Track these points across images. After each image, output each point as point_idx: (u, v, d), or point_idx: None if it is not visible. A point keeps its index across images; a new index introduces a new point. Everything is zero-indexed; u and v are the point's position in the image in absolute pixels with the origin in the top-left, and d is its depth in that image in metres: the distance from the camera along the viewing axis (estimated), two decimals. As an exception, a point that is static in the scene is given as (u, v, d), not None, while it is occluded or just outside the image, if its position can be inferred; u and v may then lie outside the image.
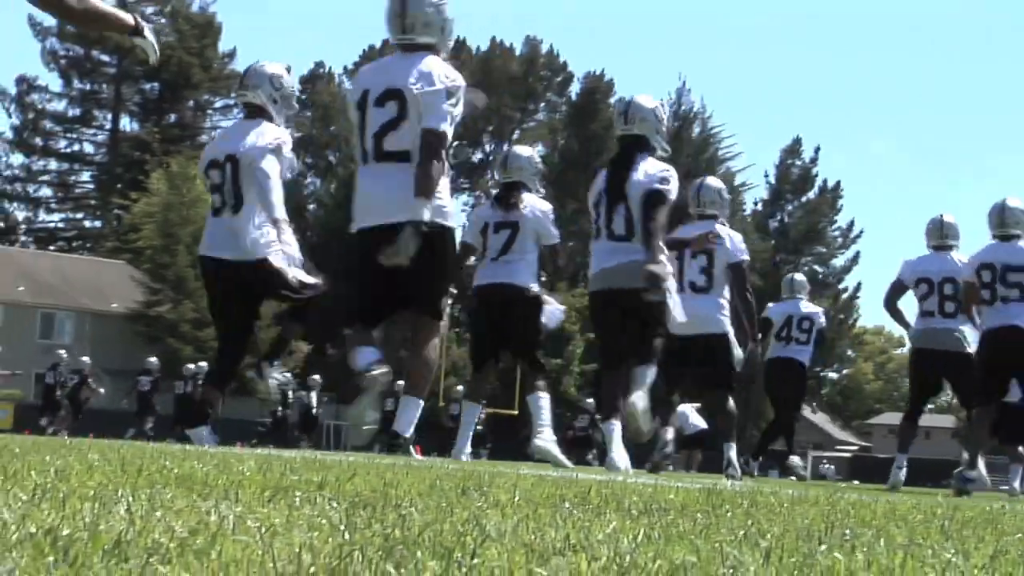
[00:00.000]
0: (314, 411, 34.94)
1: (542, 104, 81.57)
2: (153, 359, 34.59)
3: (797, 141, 74.46)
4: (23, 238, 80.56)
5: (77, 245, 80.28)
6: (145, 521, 2.17)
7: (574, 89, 79.03)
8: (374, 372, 7.24)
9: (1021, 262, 10.56)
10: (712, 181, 11.77)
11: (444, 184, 7.40)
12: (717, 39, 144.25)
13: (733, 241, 10.89)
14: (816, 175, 73.68)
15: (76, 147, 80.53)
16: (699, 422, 22.90)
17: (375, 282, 7.47)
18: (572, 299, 57.84)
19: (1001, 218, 10.84)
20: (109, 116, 79.69)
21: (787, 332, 15.62)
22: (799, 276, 17.23)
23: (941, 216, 12.36)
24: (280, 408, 32.85)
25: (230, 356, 9.49)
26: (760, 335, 12.27)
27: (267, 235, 8.95)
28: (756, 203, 74.46)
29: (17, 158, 79.54)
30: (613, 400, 9.12)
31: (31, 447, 5.16)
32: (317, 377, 35.63)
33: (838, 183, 73.66)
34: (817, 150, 75.39)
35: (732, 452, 10.96)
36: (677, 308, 8.96)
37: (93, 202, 79.86)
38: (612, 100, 77.24)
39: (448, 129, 7.26)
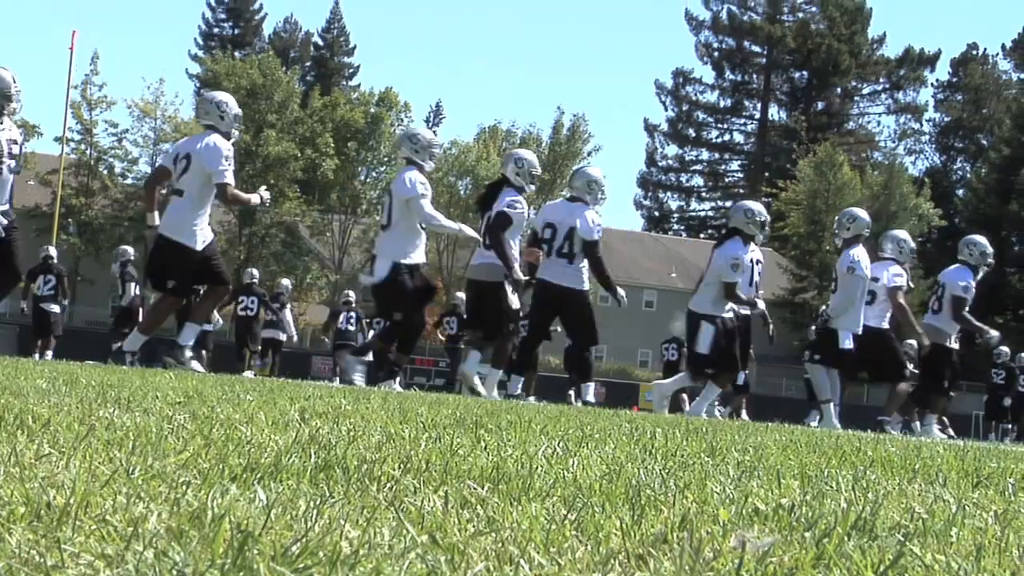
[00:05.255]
0: None
1: None
2: None
3: None
4: (675, 226, 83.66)
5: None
6: (870, 502, 2.17)
7: None
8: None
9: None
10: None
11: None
12: None
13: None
14: None
15: (726, 137, 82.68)
16: None
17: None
18: None
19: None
20: (758, 105, 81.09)
21: None
22: None
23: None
24: None
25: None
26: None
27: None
28: None
29: (671, 149, 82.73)
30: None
31: (709, 425, 5.33)
32: None
33: None
34: None
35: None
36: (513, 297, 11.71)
37: (741, 190, 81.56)
38: None
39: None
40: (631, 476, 2.34)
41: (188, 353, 11.33)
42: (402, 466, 2.31)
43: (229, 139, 11.57)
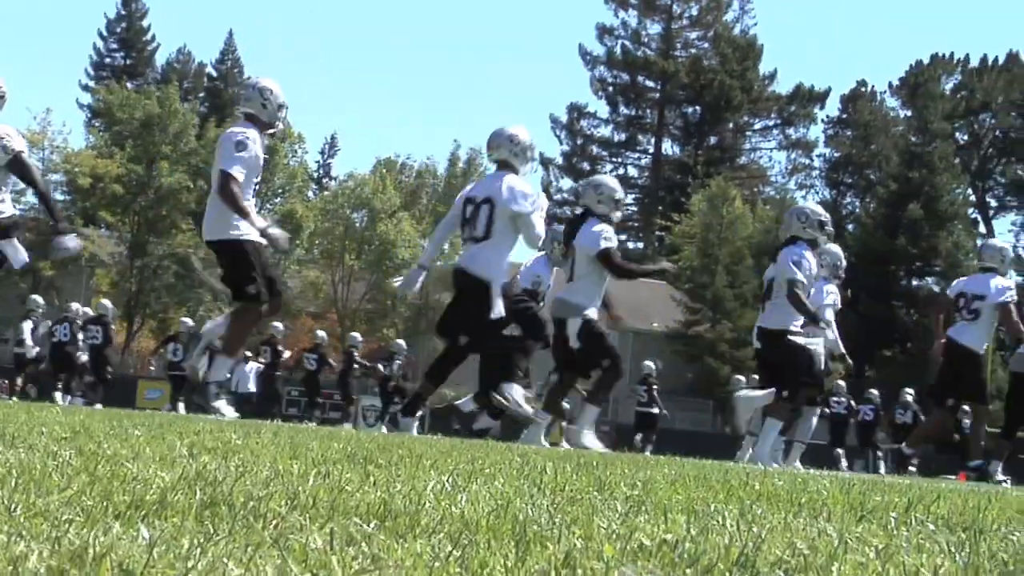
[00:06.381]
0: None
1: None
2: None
3: None
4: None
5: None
6: (754, 537, 2.19)
7: None
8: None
9: None
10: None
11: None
12: None
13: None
14: None
15: (621, 171, 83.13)
16: None
17: None
18: None
19: None
20: (652, 140, 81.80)
21: None
22: None
23: None
24: None
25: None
26: None
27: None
28: None
29: (566, 182, 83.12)
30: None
31: (606, 461, 5.36)
32: None
33: None
34: None
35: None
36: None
37: (636, 224, 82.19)
38: None
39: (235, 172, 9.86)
40: (518, 512, 2.35)
41: (214, 389, 10.13)
42: (289, 502, 2.30)
43: (270, 129, 10.41)
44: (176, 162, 53.23)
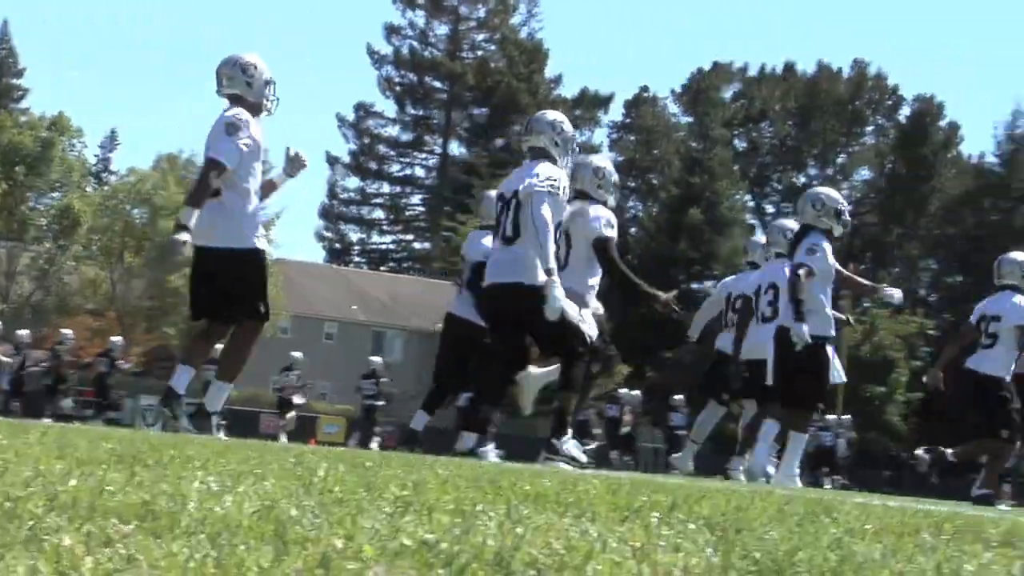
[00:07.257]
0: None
1: (869, 128, 79.92)
2: None
3: None
4: (356, 259, 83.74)
5: (407, 266, 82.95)
6: (515, 537, 2.23)
7: (903, 112, 77.24)
8: None
9: None
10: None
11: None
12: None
13: None
14: None
15: (408, 171, 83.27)
16: None
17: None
18: (896, 325, 56.45)
19: None
20: (439, 140, 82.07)
21: None
22: None
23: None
24: None
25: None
26: None
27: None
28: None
29: (353, 181, 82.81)
30: None
31: (382, 461, 5.37)
32: None
33: None
34: None
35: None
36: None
37: (423, 224, 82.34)
38: (942, 123, 75.03)
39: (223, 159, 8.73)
40: (282, 512, 2.35)
41: (215, 420, 8.83)
42: (47, 503, 2.25)
43: (259, 112, 9.19)
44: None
